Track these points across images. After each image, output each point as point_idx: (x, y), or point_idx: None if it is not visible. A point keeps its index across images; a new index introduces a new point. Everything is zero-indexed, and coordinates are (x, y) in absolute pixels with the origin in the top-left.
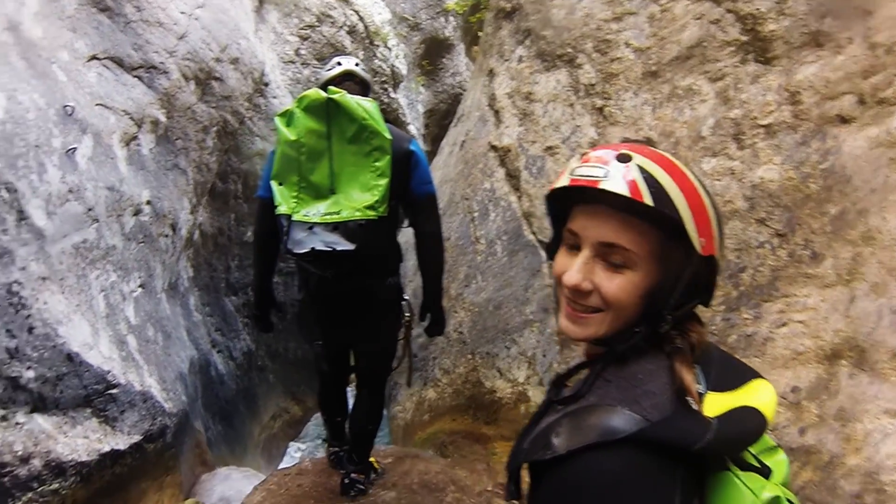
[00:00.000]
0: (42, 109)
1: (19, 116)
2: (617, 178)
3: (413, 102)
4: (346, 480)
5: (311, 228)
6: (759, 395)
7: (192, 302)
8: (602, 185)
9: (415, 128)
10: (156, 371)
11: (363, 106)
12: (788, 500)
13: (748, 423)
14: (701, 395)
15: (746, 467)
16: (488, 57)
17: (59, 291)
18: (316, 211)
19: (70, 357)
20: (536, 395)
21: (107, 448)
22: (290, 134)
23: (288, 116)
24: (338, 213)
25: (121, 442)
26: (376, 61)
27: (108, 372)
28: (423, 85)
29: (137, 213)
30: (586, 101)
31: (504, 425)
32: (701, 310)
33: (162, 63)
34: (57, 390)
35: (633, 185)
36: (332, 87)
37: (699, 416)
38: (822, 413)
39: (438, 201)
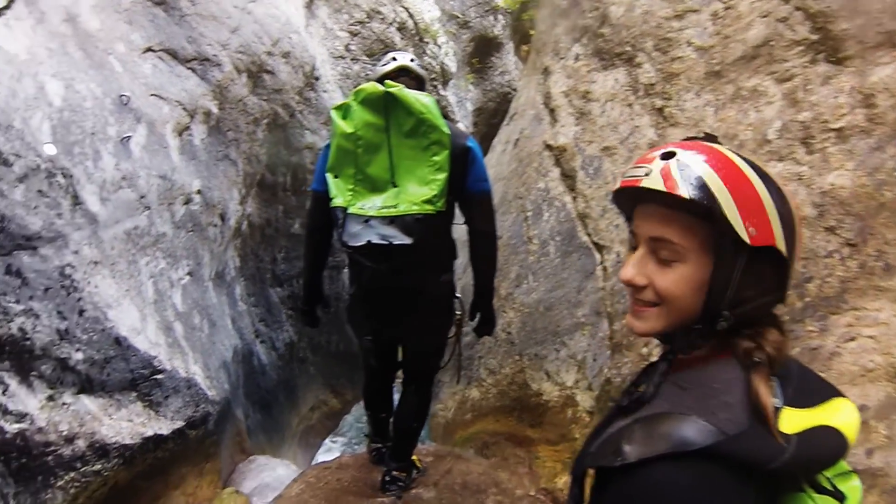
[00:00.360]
0: (98, 98)
1: (76, 104)
2: (655, 175)
3: (462, 100)
4: (388, 477)
5: (367, 221)
6: (840, 415)
7: (238, 291)
8: (642, 184)
9: (464, 125)
10: (200, 358)
11: (421, 100)
12: None
13: (827, 445)
14: (777, 410)
15: (821, 490)
16: (542, 55)
17: (110, 276)
18: (372, 204)
19: (118, 341)
20: (585, 400)
21: (150, 432)
22: (346, 126)
23: (344, 109)
24: (395, 206)
25: (164, 427)
26: (426, 58)
27: (155, 357)
28: (472, 83)
29: (188, 202)
30: (646, 101)
31: (549, 429)
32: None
33: (215, 56)
34: (104, 373)
35: (667, 179)
36: (388, 81)
37: (776, 433)
38: (892, 434)
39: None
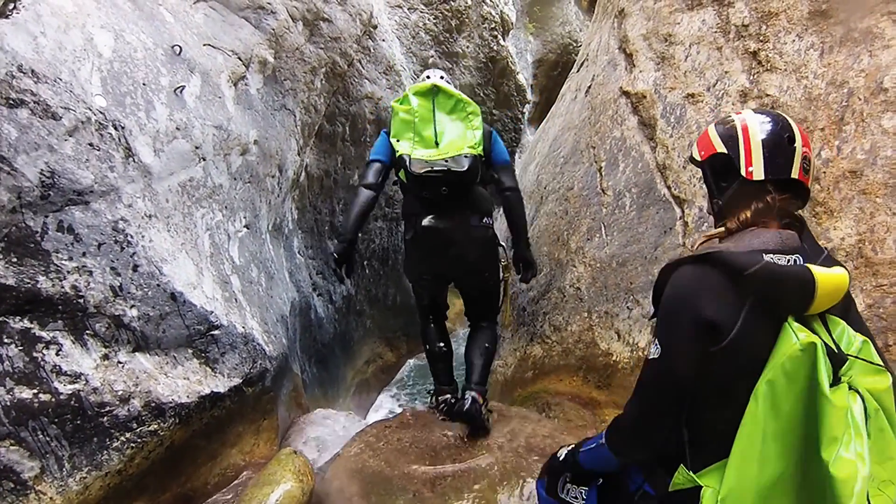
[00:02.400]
0: (150, 49)
1: (127, 56)
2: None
3: (522, 52)
4: (468, 398)
5: (426, 161)
6: (822, 270)
7: (296, 244)
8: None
9: (524, 77)
10: (258, 313)
11: (456, 91)
12: (862, 394)
13: (797, 275)
14: (767, 252)
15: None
16: None
17: (165, 230)
18: (428, 154)
19: (174, 296)
20: None
21: (207, 390)
22: (406, 106)
23: (403, 99)
24: (446, 153)
25: (221, 384)
26: (485, 8)
27: (211, 313)
28: (531, 34)
29: (244, 152)
30: (737, 44)
31: (617, 392)
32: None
33: (269, 3)
34: (160, 330)
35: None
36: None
37: (760, 256)
38: None
39: (557, 150)
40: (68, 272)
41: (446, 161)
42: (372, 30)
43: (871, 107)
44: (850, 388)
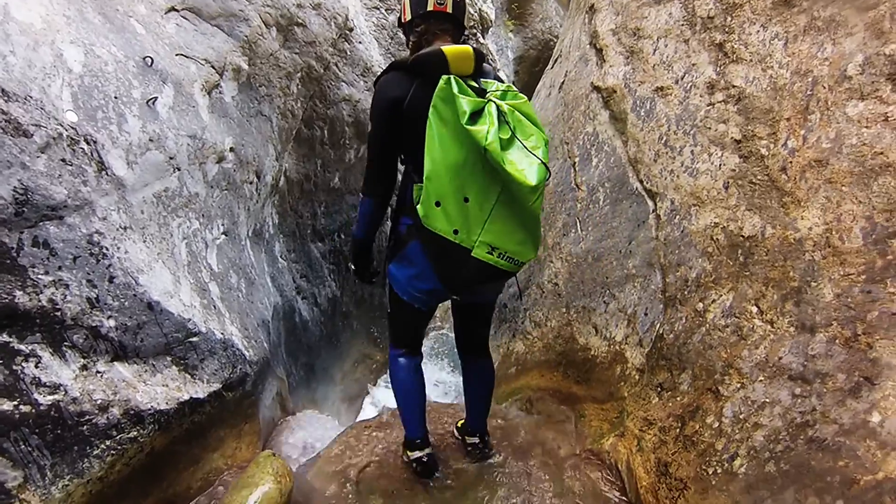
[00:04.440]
0: (121, 62)
1: (98, 69)
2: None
3: (503, 48)
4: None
5: None
6: (449, 46)
7: (278, 248)
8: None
9: (505, 74)
10: (238, 318)
11: None
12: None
13: (432, 53)
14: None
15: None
16: None
17: (141, 240)
18: None
19: (150, 306)
20: (635, 357)
21: (186, 396)
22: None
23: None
24: None
25: (200, 390)
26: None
27: (189, 320)
28: (511, 31)
29: (220, 160)
30: (704, 36)
31: (596, 386)
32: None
33: (241, 11)
34: (137, 339)
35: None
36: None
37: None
38: None
39: None
40: (45, 286)
41: None
42: (348, 32)
43: (835, 95)
44: (491, 102)
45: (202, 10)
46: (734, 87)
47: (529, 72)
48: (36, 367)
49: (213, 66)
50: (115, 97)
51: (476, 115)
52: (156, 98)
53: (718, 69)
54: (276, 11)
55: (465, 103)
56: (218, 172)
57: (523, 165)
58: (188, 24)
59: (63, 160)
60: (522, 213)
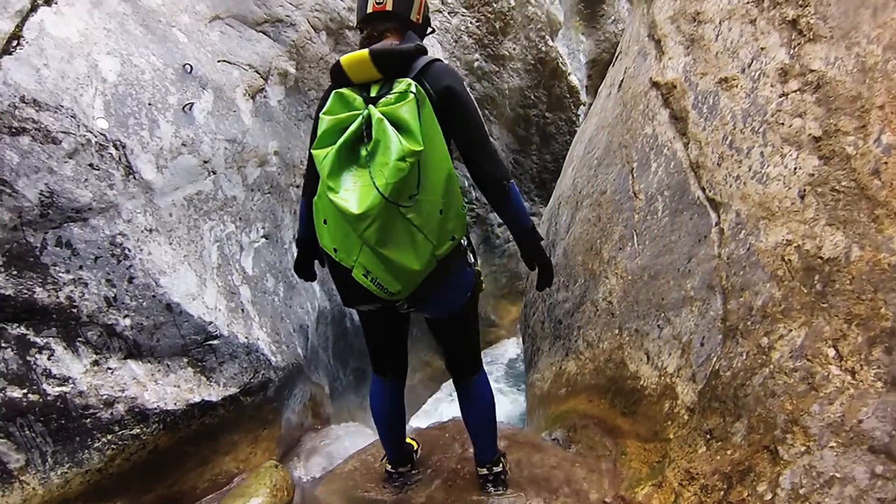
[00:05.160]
0: (159, 70)
1: (133, 78)
2: None
3: (574, 52)
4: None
5: None
6: (347, 55)
7: None
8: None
9: (577, 78)
10: (269, 323)
11: None
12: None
13: (334, 67)
14: None
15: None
16: None
17: (167, 242)
18: None
19: (170, 307)
20: (686, 393)
21: (197, 398)
22: None
23: None
24: None
25: (214, 393)
26: (530, 8)
27: (210, 323)
28: (582, 33)
29: (263, 163)
30: (773, 13)
31: (642, 421)
32: None
33: (288, 16)
34: (154, 339)
35: None
36: None
37: None
38: None
39: (592, 152)
40: (64, 284)
41: None
42: None
43: None
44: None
45: (247, 17)
46: (812, 71)
47: (602, 76)
48: (49, 359)
49: (257, 71)
50: (150, 104)
51: (343, 132)
52: (192, 104)
53: (792, 52)
54: (326, 16)
55: (326, 122)
56: (260, 176)
57: (348, 187)
58: (232, 31)
59: (91, 165)
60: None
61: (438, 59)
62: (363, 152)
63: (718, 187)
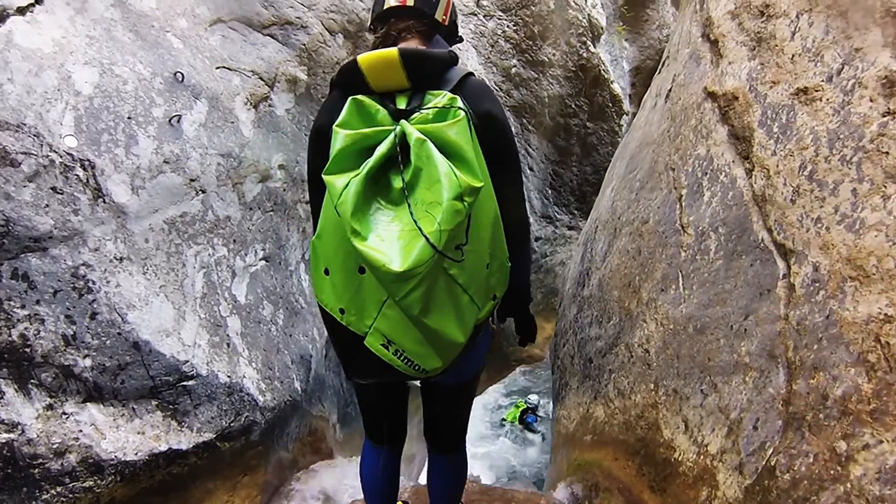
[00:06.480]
0: (145, 79)
1: (112, 90)
2: None
3: (617, 59)
4: None
5: None
6: (367, 53)
7: None
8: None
9: (620, 86)
10: (260, 357)
11: None
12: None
13: (349, 68)
14: None
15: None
16: None
17: (140, 272)
18: None
19: (137, 345)
20: (729, 483)
21: (163, 447)
22: None
23: None
24: None
25: (184, 440)
26: (570, 12)
27: (186, 362)
28: (626, 39)
29: (265, 178)
30: (873, 1)
31: (671, 503)
32: None
33: (299, 18)
34: (117, 380)
35: None
36: None
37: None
38: None
39: (634, 172)
40: (18, 320)
41: None
42: None
43: None
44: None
45: (252, 19)
46: None
47: (646, 84)
48: None
49: (261, 78)
50: (129, 118)
51: (367, 154)
52: (180, 116)
53: None
54: (343, 17)
55: (343, 137)
56: (261, 192)
57: (381, 234)
58: (235, 34)
59: (53, 188)
60: None
61: (472, 73)
62: (396, 183)
63: (791, 230)
